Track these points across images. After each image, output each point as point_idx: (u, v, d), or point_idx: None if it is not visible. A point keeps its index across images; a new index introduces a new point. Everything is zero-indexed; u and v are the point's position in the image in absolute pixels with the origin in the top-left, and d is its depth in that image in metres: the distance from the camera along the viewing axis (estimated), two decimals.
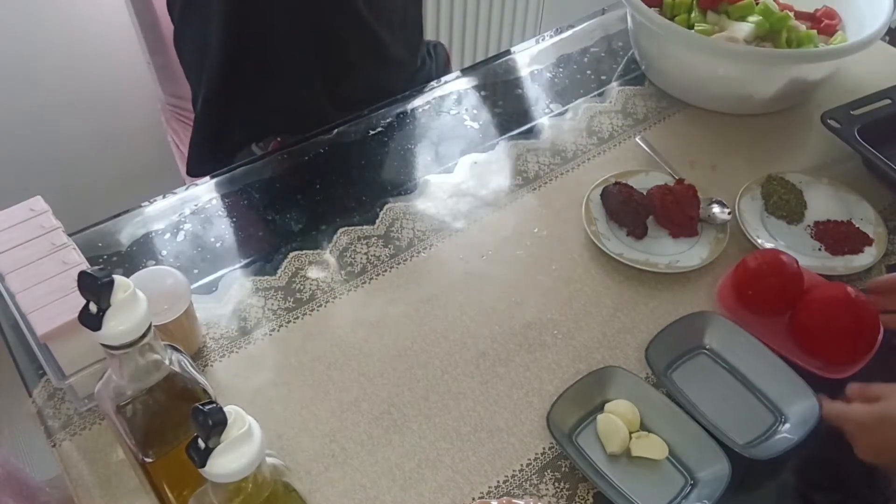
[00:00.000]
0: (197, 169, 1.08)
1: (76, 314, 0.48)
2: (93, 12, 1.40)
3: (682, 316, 0.73)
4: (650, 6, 0.95)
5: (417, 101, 0.99)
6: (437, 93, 1.02)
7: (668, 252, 0.81)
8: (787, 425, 0.67)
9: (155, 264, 0.79)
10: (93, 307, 0.47)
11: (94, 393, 0.54)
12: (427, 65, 1.18)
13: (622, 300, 0.77)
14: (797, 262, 0.73)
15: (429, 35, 1.63)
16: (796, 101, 0.99)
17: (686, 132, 0.96)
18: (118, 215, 0.85)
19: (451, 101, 1.00)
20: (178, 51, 1.06)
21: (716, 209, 0.84)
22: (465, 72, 1.06)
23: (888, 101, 0.91)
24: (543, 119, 0.98)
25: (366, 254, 0.81)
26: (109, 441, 0.66)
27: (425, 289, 0.78)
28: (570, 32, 1.11)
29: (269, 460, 0.47)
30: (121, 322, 0.47)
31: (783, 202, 0.85)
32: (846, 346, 0.68)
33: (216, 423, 0.42)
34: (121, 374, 0.51)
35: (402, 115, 0.98)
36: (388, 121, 0.97)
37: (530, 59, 1.06)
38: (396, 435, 0.67)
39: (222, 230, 0.84)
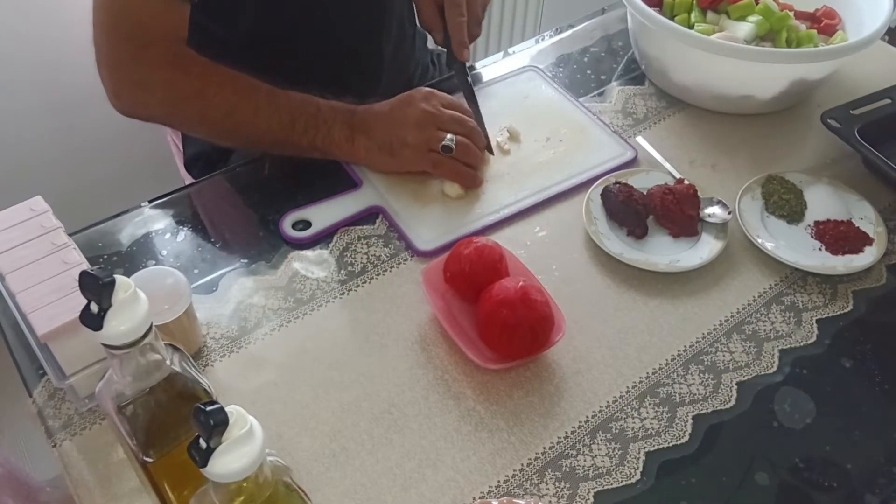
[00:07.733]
0: (193, 165, 1.08)
1: (76, 314, 0.48)
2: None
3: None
4: (650, 6, 0.95)
5: None
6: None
7: (668, 252, 0.81)
8: None
9: (155, 264, 0.79)
10: (94, 307, 0.47)
11: (94, 393, 0.54)
12: (430, 73, 1.18)
13: (622, 300, 0.77)
14: (502, 256, 0.73)
15: (430, 42, 1.63)
16: (796, 101, 0.99)
17: (686, 132, 0.96)
18: (118, 215, 0.85)
19: None
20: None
21: (716, 209, 0.84)
22: None
23: (888, 101, 0.91)
24: None
25: (366, 254, 0.81)
26: (110, 441, 0.66)
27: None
28: (569, 32, 1.11)
29: (270, 460, 0.47)
30: (122, 322, 0.47)
31: (783, 202, 0.85)
32: (503, 342, 0.69)
33: (217, 423, 0.42)
34: (121, 374, 0.51)
35: None
36: None
37: (530, 58, 1.06)
38: (397, 435, 0.67)
39: (222, 230, 0.84)
